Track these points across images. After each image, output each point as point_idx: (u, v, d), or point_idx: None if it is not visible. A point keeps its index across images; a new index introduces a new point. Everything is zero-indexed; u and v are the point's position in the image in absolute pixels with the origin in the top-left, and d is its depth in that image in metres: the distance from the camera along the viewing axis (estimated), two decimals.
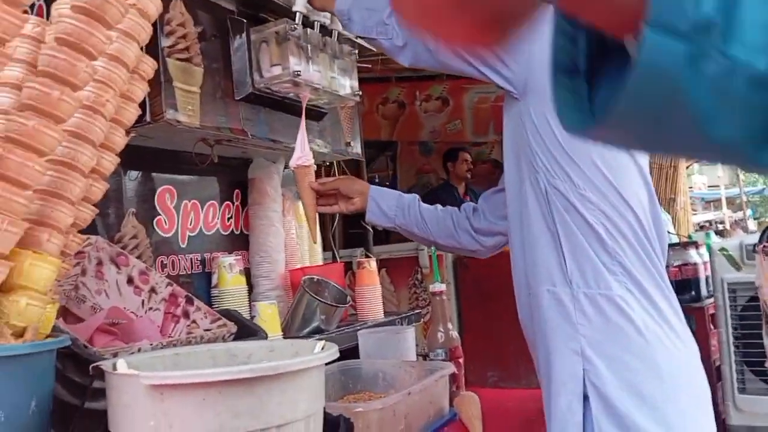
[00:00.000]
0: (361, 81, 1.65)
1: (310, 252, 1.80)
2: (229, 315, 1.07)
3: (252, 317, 1.26)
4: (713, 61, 0.24)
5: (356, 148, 1.86)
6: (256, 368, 0.53)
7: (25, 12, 0.56)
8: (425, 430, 1.15)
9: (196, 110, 1.30)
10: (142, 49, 0.67)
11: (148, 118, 1.23)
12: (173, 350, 0.72)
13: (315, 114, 1.66)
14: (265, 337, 1.03)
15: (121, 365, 0.60)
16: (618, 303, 1.00)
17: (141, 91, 0.70)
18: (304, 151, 1.33)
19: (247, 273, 1.66)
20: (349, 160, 2.02)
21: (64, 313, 1.15)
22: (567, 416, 1.01)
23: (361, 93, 1.64)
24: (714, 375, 2.75)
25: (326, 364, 0.66)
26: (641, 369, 0.99)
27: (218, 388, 0.53)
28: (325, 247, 2.47)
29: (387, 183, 6.30)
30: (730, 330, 2.77)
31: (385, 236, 5.60)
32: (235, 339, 1.03)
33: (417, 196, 1.36)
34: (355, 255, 2.78)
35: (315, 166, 1.36)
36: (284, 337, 1.42)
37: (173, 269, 1.47)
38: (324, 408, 0.95)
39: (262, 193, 1.64)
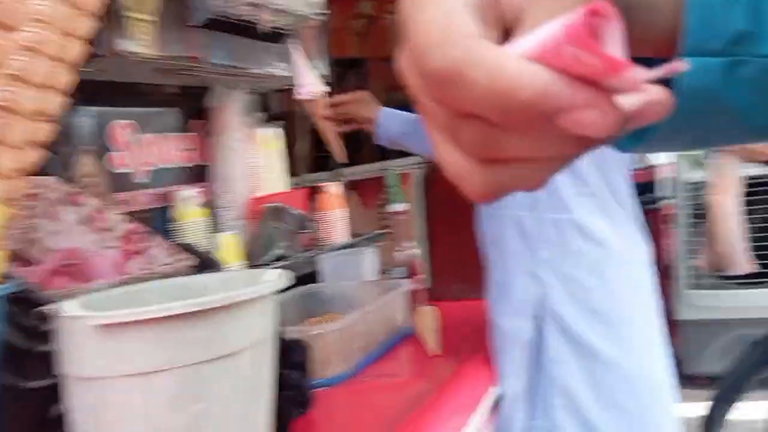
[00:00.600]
0: None
1: (276, 180, 1.81)
2: (188, 248, 1.09)
3: (214, 249, 1.29)
4: (750, 64, 0.25)
5: (321, 69, 1.83)
6: (199, 302, 0.57)
7: None
8: (382, 346, 1.22)
9: (150, 40, 1.27)
10: None
11: (100, 51, 1.20)
12: (125, 288, 0.75)
13: (275, 36, 1.62)
14: (221, 269, 1.06)
15: (69, 307, 0.63)
16: (581, 226, 1.04)
17: (85, 27, 0.68)
18: (307, 81, 1.38)
19: (212, 205, 1.68)
20: None
21: (16, 257, 1.17)
22: (517, 335, 1.07)
23: (325, 12, 1.60)
24: (664, 273, 2.88)
25: (288, 289, 0.70)
26: (595, 286, 1.04)
27: (166, 323, 0.56)
28: (294, 173, 2.48)
29: None
30: (688, 229, 2.88)
31: (355, 158, 5.59)
32: (196, 272, 1.06)
33: None
34: (322, 179, 2.79)
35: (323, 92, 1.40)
36: (249, 266, 1.47)
37: (133, 206, 1.48)
38: (282, 334, 1.01)
39: (222, 122, 1.63)
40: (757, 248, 2.59)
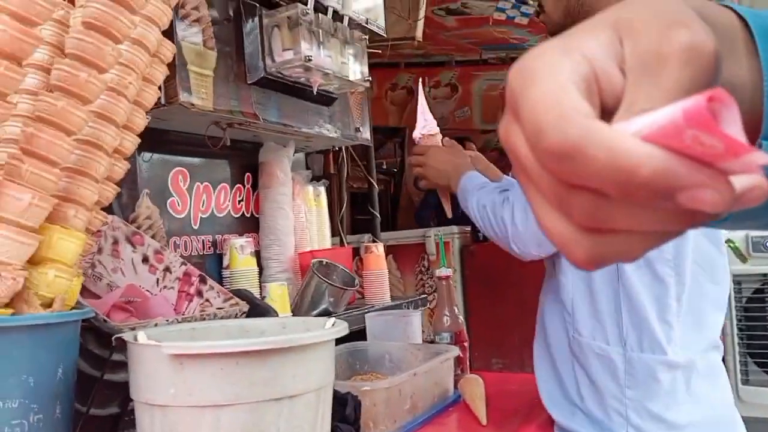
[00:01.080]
0: (370, 66, 1.67)
1: (319, 236, 1.83)
2: (241, 294, 1.09)
3: (262, 297, 1.29)
4: None
5: (365, 134, 1.88)
6: (271, 341, 0.56)
7: None
8: (430, 410, 1.18)
9: (209, 93, 1.32)
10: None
11: (163, 100, 1.26)
12: (190, 325, 0.74)
13: (325, 99, 1.68)
14: (277, 316, 1.05)
15: (142, 337, 0.63)
16: (669, 364, 0.99)
17: (160, 74, 0.72)
18: (426, 120, 1.37)
19: (258, 255, 1.69)
20: (357, 146, 2.03)
21: (81, 289, 1.18)
22: None
23: (370, 78, 1.66)
24: None
25: (336, 342, 0.69)
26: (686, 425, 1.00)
27: (235, 359, 0.55)
28: (334, 233, 2.51)
29: (395, 170, 6.32)
30: (735, 322, 2.79)
31: (392, 223, 5.64)
32: (246, 317, 1.06)
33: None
34: (363, 240, 2.80)
35: (440, 134, 1.37)
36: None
37: (185, 250, 1.50)
38: (333, 386, 0.99)
39: (271, 176, 1.67)
40: None
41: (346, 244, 2.36)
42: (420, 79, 1.42)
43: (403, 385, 1.10)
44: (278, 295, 1.27)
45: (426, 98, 1.37)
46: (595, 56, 0.24)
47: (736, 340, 2.77)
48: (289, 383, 0.58)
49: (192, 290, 1.11)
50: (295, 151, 1.91)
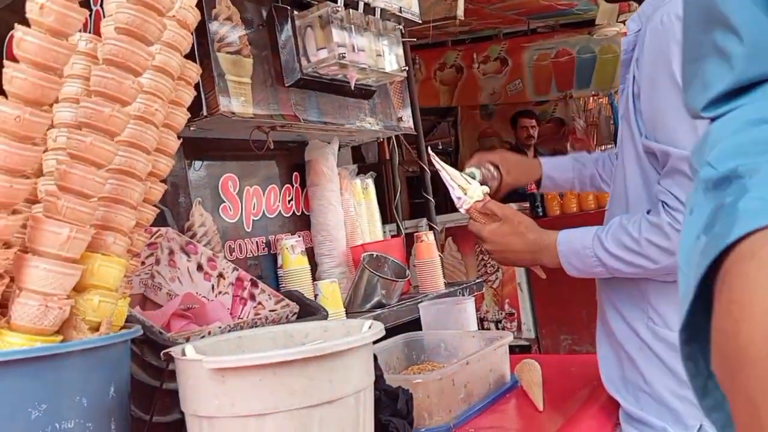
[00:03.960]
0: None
1: (370, 228, 1.85)
2: (291, 296, 1.12)
3: (315, 296, 1.32)
4: None
5: (408, 122, 1.87)
6: (304, 350, 0.58)
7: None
8: (487, 398, 1.18)
9: (248, 100, 1.35)
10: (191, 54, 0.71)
11: (204, 112, 1.30)
12: (237, 334, 0.77)
13: (364, 93, 1.68)
14: (326, 316, 1.08)
15: (189, 350, 0.66)
16: None
17: (188, 95, 0.75)
18: (455, 191, 1.14)
19: (311, 252, 1.73)
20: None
21: (144, 300, 1.25)
22: None
23: (407, 67, 1.65)
24: None
25: (382, 338, 0.70)
26: None
27: (272, 369, 0.57)
28: (391, 219, 2.52)
29: (450, 149, 6.26)
30: None
31: (450, 204, 5.60)
32: (297, 318, 1.09)
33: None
34: (420, 225, 2.80)
35: (484, 196, 1.13)
36: (347, 313, 1.48)
37: (241, 253, 1.56)
38: (383, 381, 1.00)
39: (318, 173, 1.69)
40: None
41: (402, 231, 2.37)
42: (428, 149, 1.19)
43: (455, 375, 1.10)
44: (329, 292, 1.30)
45: (442, 166, 1.15)
46: None
47: None
48: (326, 389, 0.59)
49: (245, 294, 1.15)
50: (341, 146, 1.93)
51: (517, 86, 6.03)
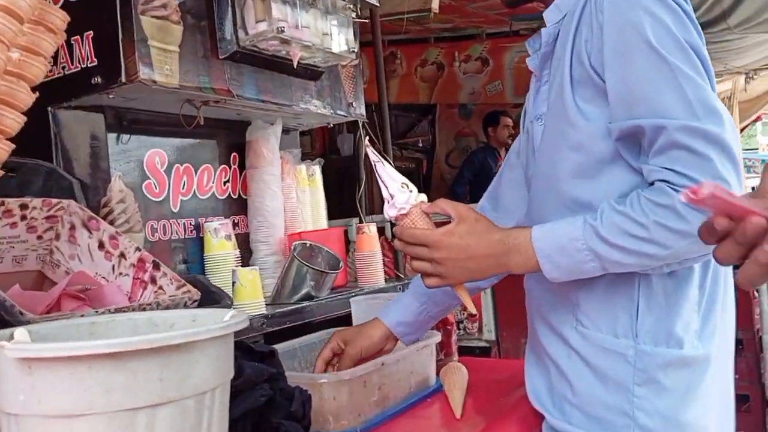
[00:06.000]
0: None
1: (314, 217, 1.76)
2: (195, 281, 1.03)
3: (233, 283, 1.23)
4: None
5: (359, 109, 1.79)
6: (125, 342, 0.49)
7: None
8: (404, 402, 1.10)
9: (174, 69, 1.26)
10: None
11: (123, 78, 1.20)
12: (91, 319, 0.68)
13: (311, 73, 1.59)
14: (230, 305, 0.99)
15: (20, 334, 0.57)
16: (685, 360, 0.86)
17: (49, 44, 0.65)
18: (392, 194, 0.91)
19: (247, 239, 1.64)
20: (355, 122, 1.93)
21: (41, 278, 1.15)
22: None
23: (356, 49, 1.57)
24: (757, 345, 2.60)
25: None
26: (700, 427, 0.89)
27: (87, 362, 0.49)
28: (352, 213, 2.42)
29: (428, 147, 6.19)
30: None
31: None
32: (199, 306, 1.00)
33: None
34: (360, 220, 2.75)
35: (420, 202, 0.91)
36: (273, 304, 1.40)
37: (164, 234, 1.46)
38: (284, 380, 0.92)
39: (258, 155, 1.60)
40: None
41: (364, 223, 2.28)
42: (366, 139, 0.97)
43: (368, 376, 1.02)
44: (248, 280, 1.21)
45: (380, 162, 0.93)
46: None
47: None
48: (155, 388, 0.51)
49: (146, 277, 1.06)
50: (289, 130, 1.84)
51: (497, 87, 5.98)
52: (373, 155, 0.96)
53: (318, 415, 0.96)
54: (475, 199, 4.32)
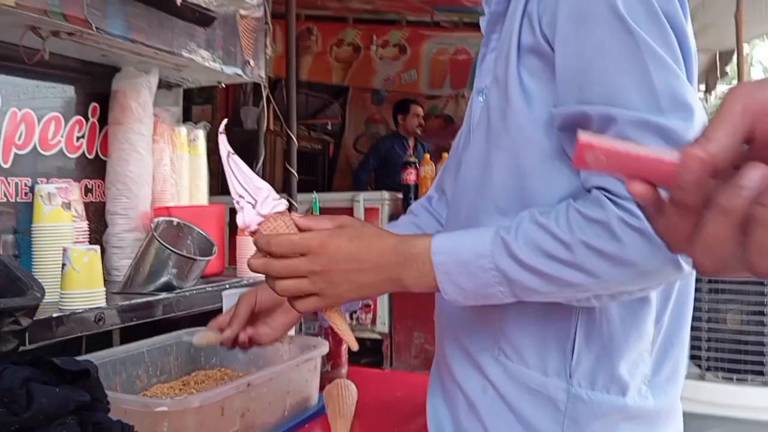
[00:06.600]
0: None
1: (192, 190, 1.48)
2: None
3: (63, 266, 0.95)
4: None
5: (258, 71, 1.52)
6: None
7: None
8: (276, 429, 0.88)
9: None
10: None
11: None
12: None
13: (199, 17, 1.32)
14: (39, 298, 0.72)
15: None
16: (628, 411, 0.69)
17: None
18: (258, 188, 0.66)
19: (103, 208, 1.34)
20: (253, 84, 1.67)
21: None
22: None
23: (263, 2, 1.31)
24: None
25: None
26: None
27: None
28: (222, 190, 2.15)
29: (337, 130, 5.97)
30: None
31: (328, 184, 5.29)
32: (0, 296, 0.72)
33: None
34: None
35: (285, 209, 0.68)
36: (125, 293, 1.12)
37: None
38: (103, 407, 0.67)
39: (125, 109, 1.30)
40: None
41: None
42: (223, 125, 0.70)
43: (227, 401, 0.79)
44: (83, 263, 0.93)
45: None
46: None
47: None
48: None
49: None
50: (170, 85, 1.55)
51: (412, 75, 5.90)
52: (225, 147, 0.69)
53: None
54: (378, 186, 4.17)
